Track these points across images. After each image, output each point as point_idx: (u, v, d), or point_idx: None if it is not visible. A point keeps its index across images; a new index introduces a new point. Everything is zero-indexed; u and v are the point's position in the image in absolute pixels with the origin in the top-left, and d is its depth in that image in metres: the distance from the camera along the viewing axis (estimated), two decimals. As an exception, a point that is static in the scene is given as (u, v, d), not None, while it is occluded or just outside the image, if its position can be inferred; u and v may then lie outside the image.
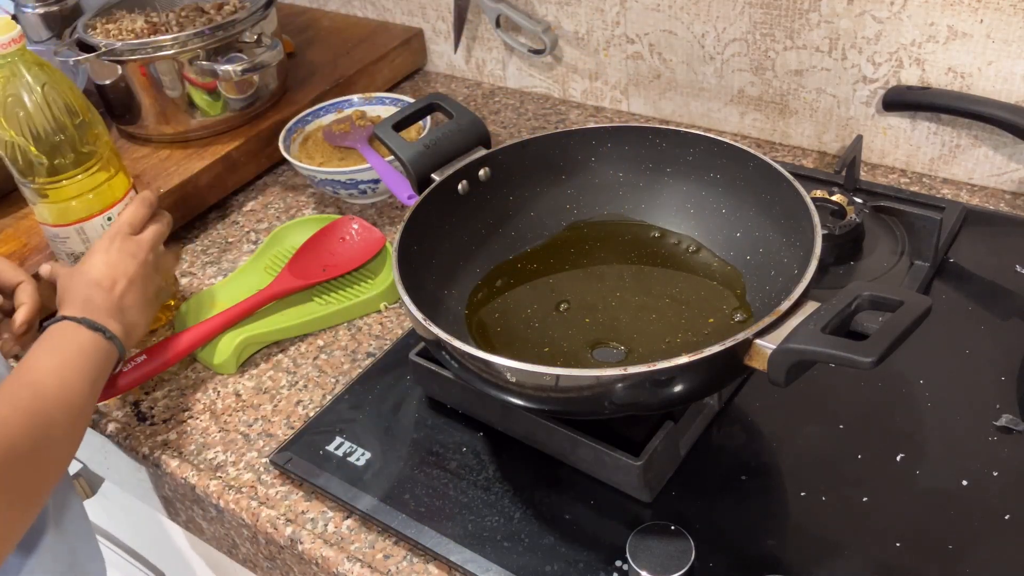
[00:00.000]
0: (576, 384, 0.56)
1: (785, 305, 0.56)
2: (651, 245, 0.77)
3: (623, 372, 0.54)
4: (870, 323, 0.56)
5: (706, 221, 0.76)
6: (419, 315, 0.59)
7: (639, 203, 0.79)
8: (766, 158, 0.70)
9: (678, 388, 0.56)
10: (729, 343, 0.54)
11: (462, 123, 0.75)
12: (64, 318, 0.70)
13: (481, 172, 0.75)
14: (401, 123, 0.76)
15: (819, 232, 0.62)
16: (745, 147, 0.71)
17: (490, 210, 0.77)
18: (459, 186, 0.75)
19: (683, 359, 0.53)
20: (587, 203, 0.80)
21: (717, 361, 0.54)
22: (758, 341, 0.55)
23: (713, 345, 0.54)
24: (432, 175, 0.73)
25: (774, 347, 0.54)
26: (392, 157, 0.95)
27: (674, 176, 0.77)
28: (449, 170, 0.73)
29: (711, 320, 0.70)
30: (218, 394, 0.80)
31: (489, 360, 0.56)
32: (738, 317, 0.69)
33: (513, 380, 0.57)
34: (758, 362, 0.55)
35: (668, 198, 0.78)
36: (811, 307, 0.56)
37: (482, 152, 0.75)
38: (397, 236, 0.67)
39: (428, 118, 0.76)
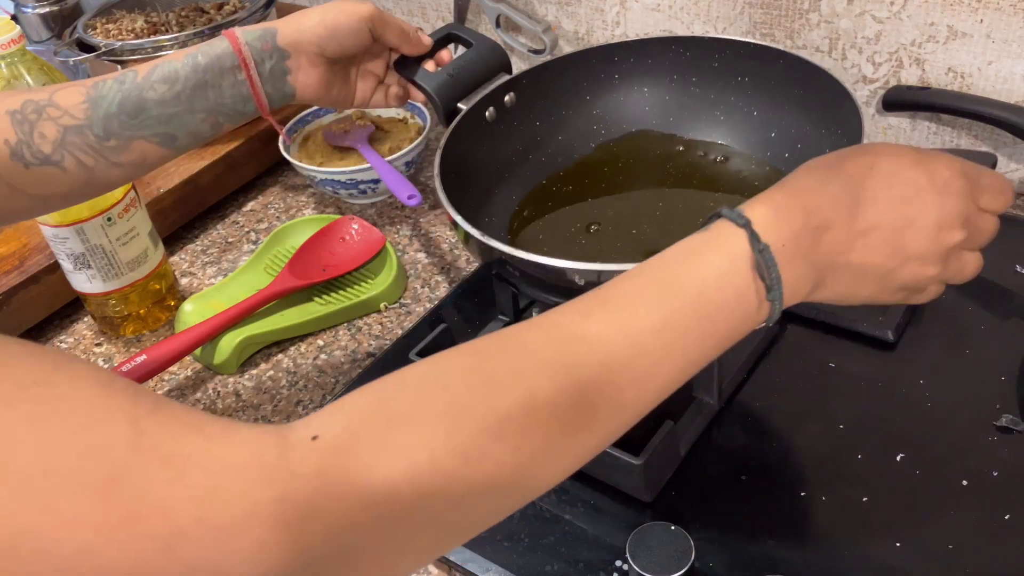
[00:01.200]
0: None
1: None
2: (683, 157, 0.76)
3: None
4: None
5: (739, 126, 0.75)
6: (495, 243, 0.58)
7: (667, 116, 0.78)
8: (795, 52, 0.69)
9: None
10: None
11: (482, 50, 0.73)
12: (727, 217, 0.45)
13: (507, 98, 0.74)
14: (420, 57, 0.73)
15: (864, 112, 0.61)
16: (772, 45, 0.71)
17: (519, 136, 0.76)
18: (487, 113, 0.73)
19: None
20: (614, 122, 0.78)
21: None
22: None
23: None
24: (459, 104, 0.72)
25: None
26: (392, 157, 0.96)
27: (700, 85, 0.76)
28: (475, 98, 0.72)
29: None
30: (218, 394, 0.80)
31: (590, 268, 0.54)
32: None
33: (582, 283, 0.55)
34: None
35: (697, 109, 0.77)
36: None
37: (505, 78, 0.74)
38: (437, 166, 0.65)
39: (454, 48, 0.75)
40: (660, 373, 0.44)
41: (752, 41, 0.72)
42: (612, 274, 0.53)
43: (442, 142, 0.68)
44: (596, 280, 0.54)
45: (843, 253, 0.46)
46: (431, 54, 0.73)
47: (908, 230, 0.47)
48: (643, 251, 0.69)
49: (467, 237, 0.60)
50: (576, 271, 0.54)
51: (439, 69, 0.72)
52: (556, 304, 0.56)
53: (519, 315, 0.75)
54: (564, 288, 0.57)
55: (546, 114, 0.77)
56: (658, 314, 0.43)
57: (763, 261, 0.44)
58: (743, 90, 0.74)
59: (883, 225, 0.46)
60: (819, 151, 0.68)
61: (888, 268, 0.47)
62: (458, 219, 0.60)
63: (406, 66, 0.72)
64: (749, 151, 0.74)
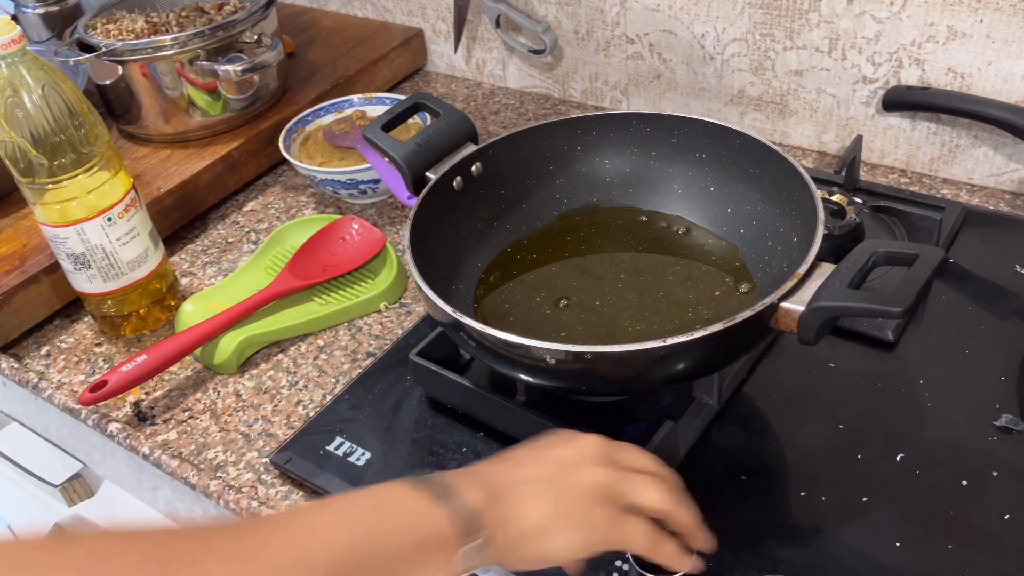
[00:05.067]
0: (619, 359, 0.57)
1: (803, 268, 0.58)
2: (644, 228, 0.78)
3: (662, 344, 0.55)
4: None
5: (695, 200, 0.78)
6: (462, 317, 0.60)
7: (627, 188, 0.80)
8: (751, 133, 0.72)
9: (709, 357, 0.58)
10: (758, 308, 0.56)
11: (450, 120, 0.76)
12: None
13: (473, 168, 0.76)
14: (388, 125, 0.76)
15: (817, 196, 0.64)
16: (728, 125, 0.73)
17: (485, 205, 0.78)
18: (454, 182, 0.75)
19: (719, 326, 0.55)
20: (576, 192, 0.81)
21: (747, 327, 0.56)
22: (784, 304, 0.57)
23: (743, 312, 0.56)
24: (427, 173, 0.74)
25: (803, 308, 0.56)
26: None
27: (659, 159, 0.79)
28: (443, 167, 0.74)
29: (717, 293, 0.71)
30: (218, 394, 0.80)
31: (560, 348, 0.57)
32: (743, 288, 0.71)
33: (552, 361, 0.57)
34: (785, 324, 0.57)
35: (656, 181, 0.79)
36: (827, 268, 0.58)
37: (472, 148, 0.76)
38: (407, 235, 0.67)
39: (427, 115, 0.76)
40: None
41: (710, 120, 0.75)
42: (580, 354, 0.56)
43: (413, 211, 0.70)
44: (565, 358, 0.57)
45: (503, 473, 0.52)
46: (393, 125, 0.75)
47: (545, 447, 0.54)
48: (612, 319, 0.71)
49: (439, 311, 0.61)
50: (548, 350, 0.57)
51: (408, 139, 0.74)
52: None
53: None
54: (527, 364, 0.59)
55: (511, 184, 0.79)
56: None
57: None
58: (701, 166, 0.77)
59: (524, 449, 0.54)
60: (774, 228, 0.71)
61: (548, 476, 0.51)
62: (440, 303, 0.61)
63: (375, 135, 0.74)
64: (707, 225, 0.77)
